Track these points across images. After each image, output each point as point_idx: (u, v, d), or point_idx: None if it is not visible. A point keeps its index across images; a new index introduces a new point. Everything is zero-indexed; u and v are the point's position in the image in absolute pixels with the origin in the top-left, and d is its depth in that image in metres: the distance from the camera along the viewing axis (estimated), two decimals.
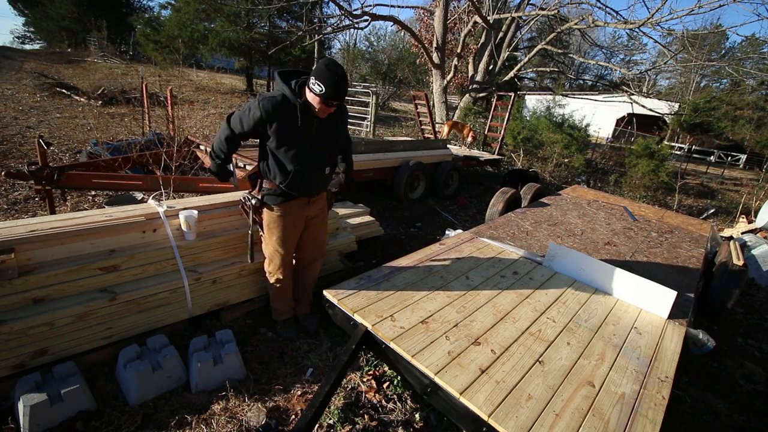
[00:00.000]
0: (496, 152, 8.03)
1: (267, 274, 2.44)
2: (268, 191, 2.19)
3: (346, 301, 2.21)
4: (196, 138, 5.23)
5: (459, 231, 3.72)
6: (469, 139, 8.60)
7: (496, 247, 3.29)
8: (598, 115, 14.78)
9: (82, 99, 10.06)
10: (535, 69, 15.49)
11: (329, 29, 12.82)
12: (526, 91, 20.35)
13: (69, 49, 23.38)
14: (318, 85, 1.90)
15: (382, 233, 4.07)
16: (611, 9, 10.87)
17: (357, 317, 2.09)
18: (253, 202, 2.20)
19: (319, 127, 2.09)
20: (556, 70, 14.06)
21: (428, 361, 1.79)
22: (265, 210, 2.24)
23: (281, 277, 2.40)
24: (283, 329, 2.58)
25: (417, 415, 2.10)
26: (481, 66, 11.98)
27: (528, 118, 12.25)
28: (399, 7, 18.41)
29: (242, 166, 4.14)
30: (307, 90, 1.99)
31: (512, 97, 8.17)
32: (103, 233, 2.18)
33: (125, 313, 2.15)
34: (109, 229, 2.20)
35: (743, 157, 21.63)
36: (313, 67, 1.95)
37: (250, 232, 2.35)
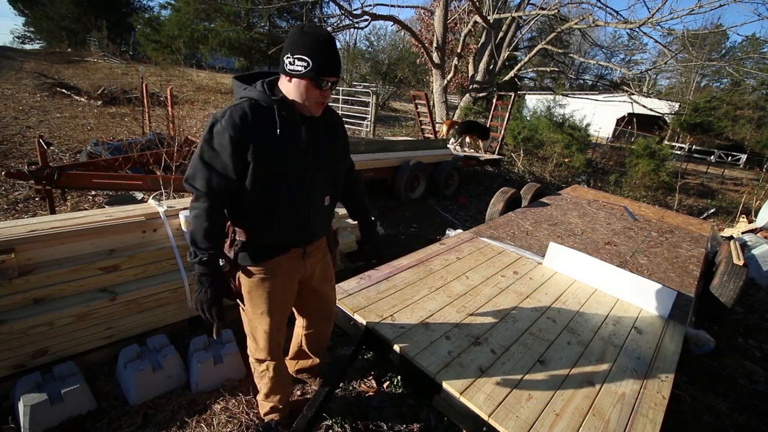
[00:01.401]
0: (496, 152, 8.04)
1: (251, 360, 1.74)
2: (243, 245, 1.45)
3: (346, 300, 2.21)
4: (197, 138, 5.23)
5: (459, 231, 3.73)
6: (467, 140, 8.51)
7: (496, 246, 3.29)
8: (599, 115, 14.76)
9: (82, 99, 10.06)
10: (535, 69, 15.49)
11: (329, 29, 12.82)
12: (526, 90, 20.34)
13: (69, 49, 23.38)
14: (300, 59, 1.24)
15: (383, 233, 4.06)
16: (611, 9, 10.90)
17: (357, 317, 2.09)
18: (221, 263, 1.43)
19: (310, 136, 1.40)
20: (556, 69, 14.06)
21: (428, 361, 1.79)
22: (240, 274, 1.50)
23: (272, 363, 1.68)
24: None
25: (417, 415, 2.10)
26: (482, 66, 11.98)
27: (528, 118, 12.24)
28: (399, 6, 18.48)
29: None
30: (283, 81, 1.34)
31: (512, 97, 8.17)
32: (103, 233, 2.18)
33: (125, 313, 2.15)
34: (109, 229, 2.20)
35: (743, 156, 21.62)
36: (284, 45, 1.30)
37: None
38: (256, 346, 1.65)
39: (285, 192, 1.39)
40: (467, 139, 8.58)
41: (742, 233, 5.68)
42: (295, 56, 1.26)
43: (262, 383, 1.76)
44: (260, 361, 1.69)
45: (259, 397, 1.85)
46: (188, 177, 1.33)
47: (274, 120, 1.32)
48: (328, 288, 1.80)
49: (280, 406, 1.82)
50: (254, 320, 1.58)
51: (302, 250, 1.56)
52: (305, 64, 1.25)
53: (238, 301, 1.58)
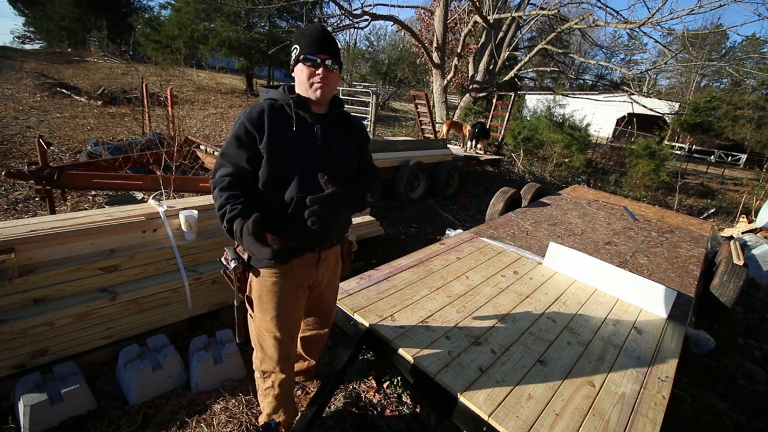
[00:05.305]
0: (495, 152, 8.05)
1: (256, 370, 1.63)
2: None
3: (346, 300, 2.21)
4: (197, 138, 5.23)
5: (459, 231, 3.73)
6: (479, 145, 8.33)
7: (496, 246, 3.29)
8: (599, 115, 14.78)
9: (82, 99, 10.05)
10: (535, 69, 15.49)
11: (329, 29, 12.81)
12: (526, 90, 20.34)
13: (69, 49, 23.39)
14: (294, 50, 1.36)
15: (382, 233, 4.06)
16: (611, 9, 10.90)
17: (357, 317, 2.09)
18: (233, 265, 1.37)
19: (325, 134, 1.41)
20: (556, 69, 14.07)
21: (428, 361, 1.79)
22: (252, 276, 1.46)
23: (281, 376, 1.57)
24: None
25: (417, 415, 2.10)
26: (482, 66, 11.98)
27: (528, 118, 12.24)
28: (399, 6, 18.49)
29: None
30: (293, 75, 1.42)
31: (512, 97, 8.17)
32: (103, 233, 2.18)
33: (125, 313, 2.15)
34: (109, 229, 2.20)
35: (743, 156, 21.62)
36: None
37: (235, 303, 1.49)
38: (264, 355, 1.55)
39: (300, 188, 1.34)
40: (471, 143, 8.49)
41: (742, 233, 5.68)
42: (291, 50, 1.39)
43: (266, 402, 1.64)
44: (266, 375, 1.58)
45: (262, 418, 1.73)
46: (212, 172, 1.36)
47: (289, 117, 1.36)
48: (331, 294, 1.75)
49: (284, 423, 1.66)
50: (263, 326, 1.50)
51: (317, 256, 1.50)
52: (296, 50, 1.36)
53: (247, 306, 1.51)
